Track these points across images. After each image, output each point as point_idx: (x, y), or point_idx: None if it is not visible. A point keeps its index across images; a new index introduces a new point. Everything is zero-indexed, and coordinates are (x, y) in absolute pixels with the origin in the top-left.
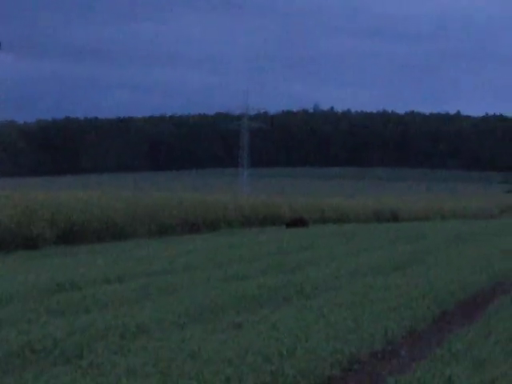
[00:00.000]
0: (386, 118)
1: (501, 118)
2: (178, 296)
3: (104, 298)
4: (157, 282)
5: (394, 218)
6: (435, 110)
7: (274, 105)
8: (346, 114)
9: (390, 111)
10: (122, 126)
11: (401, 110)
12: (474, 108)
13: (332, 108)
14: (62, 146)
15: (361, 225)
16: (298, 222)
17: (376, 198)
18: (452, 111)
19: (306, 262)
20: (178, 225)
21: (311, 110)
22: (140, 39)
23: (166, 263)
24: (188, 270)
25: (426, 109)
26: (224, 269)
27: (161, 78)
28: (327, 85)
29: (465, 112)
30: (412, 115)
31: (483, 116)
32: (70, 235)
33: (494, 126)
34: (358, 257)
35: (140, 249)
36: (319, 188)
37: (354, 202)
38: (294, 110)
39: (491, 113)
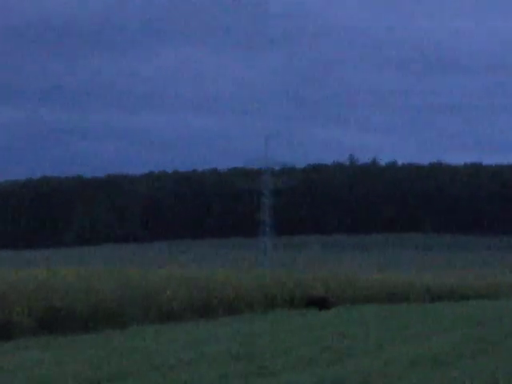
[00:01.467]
0: (442, 172)
1: None
2: None
3: None
4: (159, 381)
5: (451, 296)
6: (500, 161)
7: (301, 157)
8: (391, 166)
9: (446, 163)
10: (111, 185)
11: (459, 160)
12: None
13: (374, 160)
14: (39, 213)
15: (407, 305)
16: (318, 302)
17: (430, 273)
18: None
19: (346, 352)
20: (184, 308)
21: (347, 163)
22: (131, 80)
23: (170, 356)
24: (199, 365)
25: (490, 159)
26: (244, 362)
27: (157, 126)
28: (365, 131)
29: None
30: (475, 167)
31: None
32: (52, 323)
33: None
34: (411, 345)
35: (137, 339)
36: (357, 260)
37: (399, 277)
38: (326, 163)
39: None
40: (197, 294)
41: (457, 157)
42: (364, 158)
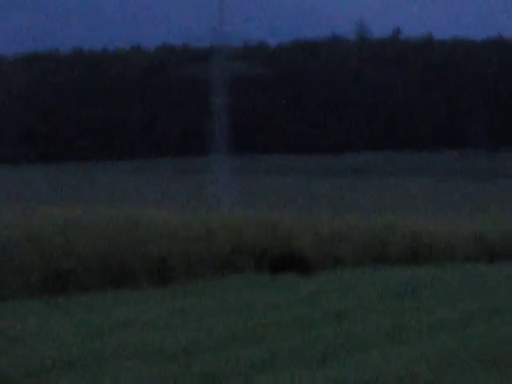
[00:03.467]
0: (505, 52)
1: None
2: None
3: None
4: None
5: None
6: None
7: (274, 29)
8: (424, 43)
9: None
10: None
11: None
12: None
13: (396, 32)
14: None
15: (454, 269)
16: (292, 264)
17: (487, 214)
18: None
19: (346, 344)
20: (87, 273)
21: (352, 38)
22: None
23: (62, 350)
24: (106, 366)
25: None
26: (182, 361)
27: None
28: None
29: None
30: None
31: None
32: None
33: None
34: (451, 336)
35: (14, 319)
36: (362, 195)
37: (438, 222)
38: (317, 37)
39: None
40: (109, 250)
41: None
42: (380, 29)
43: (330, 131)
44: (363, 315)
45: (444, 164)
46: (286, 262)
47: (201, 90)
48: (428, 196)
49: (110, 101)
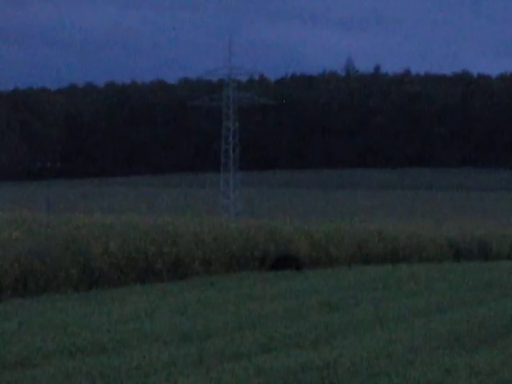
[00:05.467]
0: (469, 85)
1: None
2: None
3: None
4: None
5: (484, 254)
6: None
7: (275, 66)
8: (404, 77)
9: (475, 73)
10: (20, 101)
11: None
12: None
13: (378, 68)
14: None
15: (426, 266)
16: (286, 263)
17: (452, 221)
18: None
19: (336, 330)
20: (116, 270)
21: (341, 73)
22: None
23: (97, 335)
24: (133, 347)
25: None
26: (198, 344)
27: (77, 23)
28: (366, 29)
29: None
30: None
31: None
32: None
33: None
34: (424, 321)
35: (54, 311)
36: (352, 204)
37: (412, 227)
38: (313, 73)
39: None
40: (134, 250)
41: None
42: (364, 65)
43: (318, 150)
44: (349, 305)
45: (416, 179)
46: (283, 261)
47: (214, 116)
48: (397, 205)
49: (137, 126)
